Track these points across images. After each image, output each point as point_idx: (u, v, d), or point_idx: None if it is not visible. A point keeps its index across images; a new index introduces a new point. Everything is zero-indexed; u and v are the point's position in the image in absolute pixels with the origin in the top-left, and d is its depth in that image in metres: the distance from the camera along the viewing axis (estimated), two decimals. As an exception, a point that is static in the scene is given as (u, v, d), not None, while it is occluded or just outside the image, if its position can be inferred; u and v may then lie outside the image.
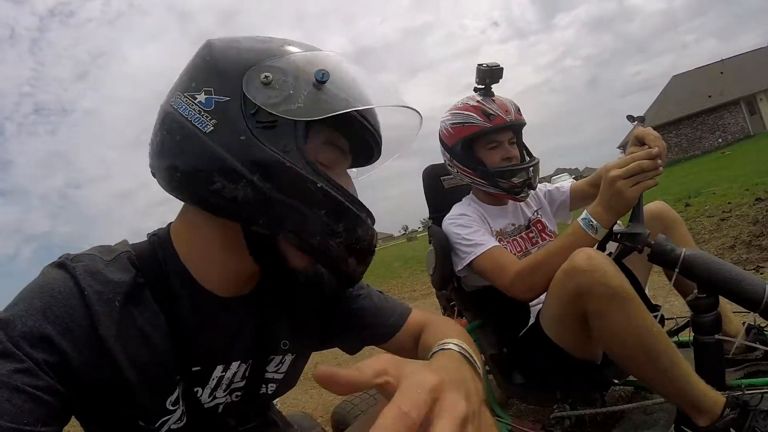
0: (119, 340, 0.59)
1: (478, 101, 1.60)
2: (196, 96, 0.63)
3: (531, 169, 1.59)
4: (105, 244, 0.69)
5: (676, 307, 2.18)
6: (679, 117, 26.82)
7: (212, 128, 0.61)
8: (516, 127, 1.62)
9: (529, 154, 1.67)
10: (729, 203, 5.55)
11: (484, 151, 1.60)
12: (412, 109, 0.72)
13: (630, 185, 1.13)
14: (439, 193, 1.87)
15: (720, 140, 24.81)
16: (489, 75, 1.60)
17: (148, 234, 0.73)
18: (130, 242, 0.71)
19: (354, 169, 0.80)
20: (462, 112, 1.60)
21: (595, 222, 1.19)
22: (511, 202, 1.70)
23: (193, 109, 0.63)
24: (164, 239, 0.71)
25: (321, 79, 0.62)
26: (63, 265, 0.61)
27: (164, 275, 0.67)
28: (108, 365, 0.58)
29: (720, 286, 1.08)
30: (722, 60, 30.46)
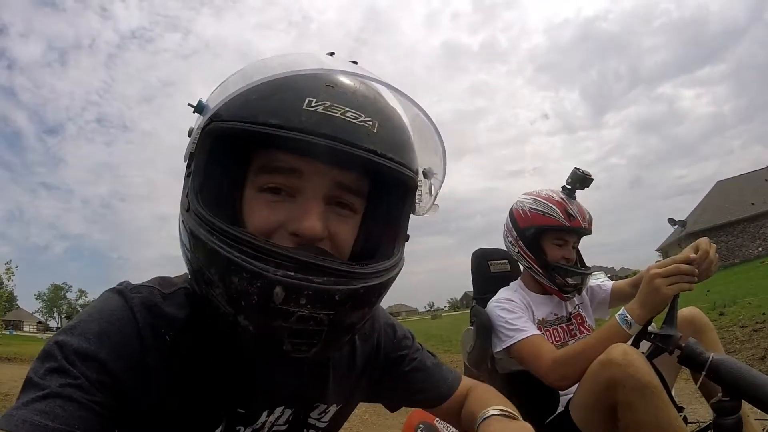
0: (166, 371, 0.59)
1: (562, 198, 1.70)
2: None
3: (587, 276, 1.72)
4: (167, 276, 0.69)
5: (697, 412, 2.18)
6: (721, 223, 26.41)
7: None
8: (584, 234, 1.73)
9: (583, 263, 1.78)
10: (764, 314, 5.46)
11: (550, 245, 1.70)
12: (380, 81, 0.58)
13: (667, 284, 1.22)
14: (485, 276, 1.94)
15: (760, 249, 24.18)
16: (580, 180, 1.72)
17: None
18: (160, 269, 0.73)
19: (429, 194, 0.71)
20: (545, 201, 1.70)
21: (630, 317, 1.27)
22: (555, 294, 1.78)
23: None
24: None
25: (196, 109, 0.60)
26: (122, 293, 0.62)
27: (217, 315, 0.59)
28: (153, 393, 0.59)
29: (744, 389, 1.12)
30: (767, 167, 30.07)
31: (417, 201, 0.69)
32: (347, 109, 0.55)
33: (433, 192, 0.71)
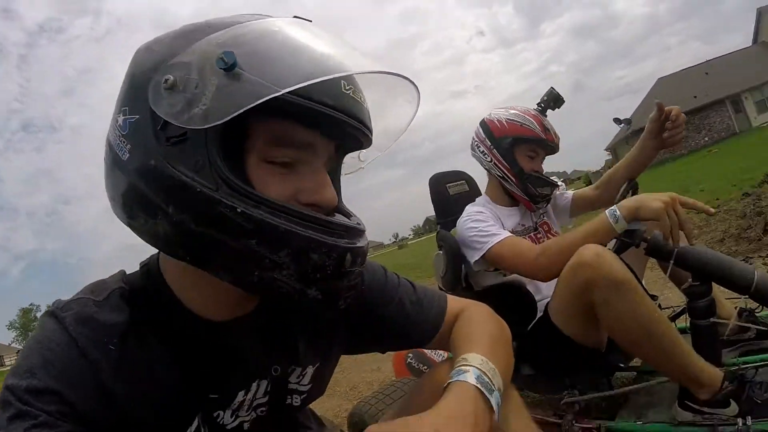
0: (121, 382, 0.56)
1: (537, 112, 1.74)
2: (118, 118, 0.56)
3: (555, 187, 1.77)
4: (100, 280, 0.66)
5: (670, 298, 2.30)
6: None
7: (128, 155, 0.54)
8: (554, 150, 1.77)
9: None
10: (717, 199, 5.69)
11: (523, 156, 1.72)
12: (399, 75, 0.58)
13: (666, 208, 1.19)
14: (445, 200, 1.95)
15: (707, 139, 25.09)
16: (554, 100, 1.77)
17: (140, 263, 0.68)
18: (124, 262, 0.69)
19: (360, 152, 0.70)
20: (523, 114, 1.72)
21: (619, 213, 1.27)
22: (521, 204, 1.80)
23: (116, 135, 0.56)
24: (154, 269, 0.65)
25: (225, 66, 0.49)
26: (54, 314, 0.58)
27: (158, 308, 0.61)
28: (116, 408, 0.56)
29: (712, 273, 1.18)
30: (707, 61, 30.85)
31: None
32: (358, 89, 0.58)
33: (362, 158, 0.73)
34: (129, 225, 0.57)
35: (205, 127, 0.49)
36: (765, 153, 9.25)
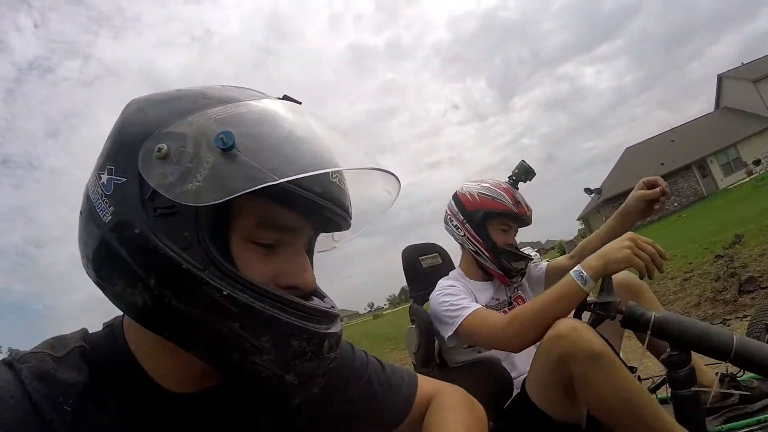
0: None
1: (508, 186, 1.77)
2: (101, 176, 0.54)
3: (529, 261, 1.77)
4: (60, 335, 0.62)
5: (650, 368, 2.29)
6: (635, 186, 27.51)
7: (110, 217, 0.51)
8: (526, 223, 1.79)
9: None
10: (690, 263, 5.76)
11: (495, 229, 1.73)
12: (386, 171, 0.60)
13: (632, 251, 1.21)
14: (418, 273, 1.93)
15: (676, 204, 25.74)
16: (525, 172, 1.82)
17: (103, 324, 0.65)
18: (87, 319, 0.65)
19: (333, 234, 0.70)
20: (494, 188, 1.75)
21: (585, 273, 1.25)
22: (495, 278, 1.79)
23: (97, 192, 0.53)
24: (117, 330, 0.62)
25: (224, 146, 0.49)
26: (11, 365, 0.54)
27: (119, 374, 0.58)
28: None
29: (691, 341, 1.16)
30: (672, 129, 32.25)
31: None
32: (343, 178, 0.60)
33: (335, 238, 0.73)
34: (100, 287, 0.55)
35: (198, 205, 0.49)
36: (732, 215, 9.52)
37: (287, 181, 0.50)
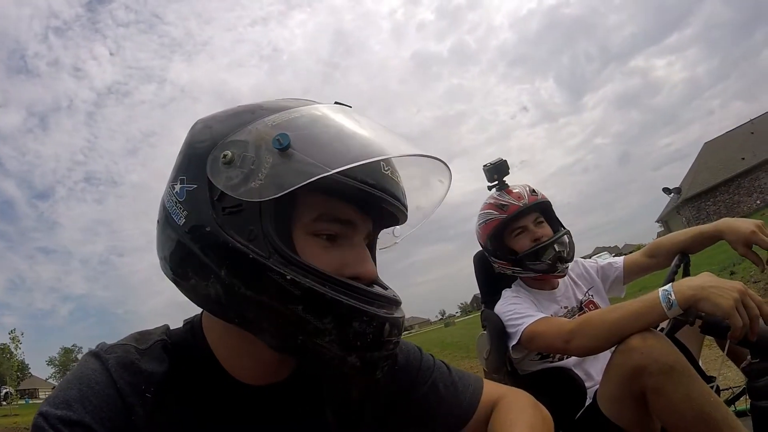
0: (153, 428, 0.58)
1: (493, 197, 1.71)
2: (175, 186, 0.60)
3: (556, 244, 1.62)
4: (144, 330, 0.69)
5: (729, 377, 2.12)
6: (715, 184, 26.18)
7: (184, 220, 0.58)
8: (533, 208, 1.66)
9: (557, 228, 1.72)
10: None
11: (511, 240, 1.67)
12: (434, 158, 0.63)
13: (736, 306, 1.05)
14: (490, 277, 1.87)
15: (758, 201, 24.14)
16: (496, 171, 1.74)
17: (184, 320, 0.71)
18: (171, 317, 0.69)
19: (394, 228, 0.72)
20: (483, 211, 1.72)
21: (673, 297, 1.14)
22: (561, 283, 1.73)
23: (172, 200, 0.60)
24: (197, 327, 0.68)
25: (281, 146, 0.54)
26: (98, 355, 0.61)
27: (197, 366, 0.64)
28: None
29: None
30: (751, 120, 30.36)
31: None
32: (395, 170, 0.62)
33: (396, 233, 0.75)
34: (178, 284, 0.61)
35: (261, 200, 0.54)
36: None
37: (339, 172, 0.53)
